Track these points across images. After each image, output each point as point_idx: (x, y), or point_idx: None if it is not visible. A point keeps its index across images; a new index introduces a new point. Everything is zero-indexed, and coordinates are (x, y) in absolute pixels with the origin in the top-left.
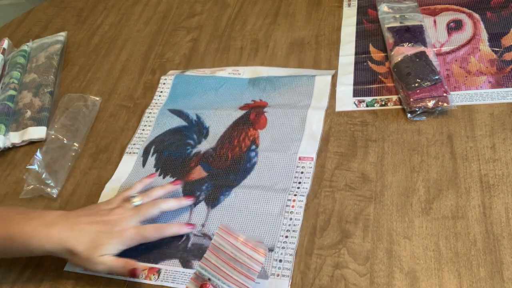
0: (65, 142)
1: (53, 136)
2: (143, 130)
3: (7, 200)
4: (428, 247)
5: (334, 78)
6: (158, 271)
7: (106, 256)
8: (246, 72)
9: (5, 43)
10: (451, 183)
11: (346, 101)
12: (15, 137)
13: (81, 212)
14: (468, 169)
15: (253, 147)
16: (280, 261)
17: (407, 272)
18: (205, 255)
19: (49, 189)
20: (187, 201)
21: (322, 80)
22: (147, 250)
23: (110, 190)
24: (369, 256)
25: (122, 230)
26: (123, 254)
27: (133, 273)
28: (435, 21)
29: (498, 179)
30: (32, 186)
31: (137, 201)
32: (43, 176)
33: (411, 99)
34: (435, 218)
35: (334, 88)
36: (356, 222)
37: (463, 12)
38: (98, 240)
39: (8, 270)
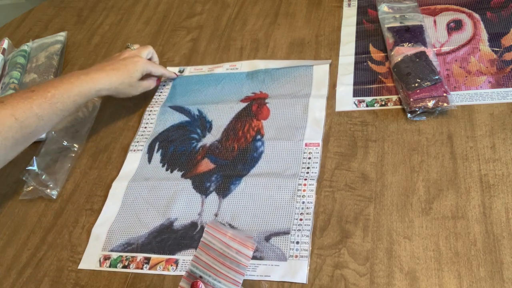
0: (64, 144)
1: (53, 137)
2: (145, 127)
3: (7, 200)
4: (428, 247)
5: (334, 77)
6: (176, 262)
7: (140, 81)
8: (244, 66)
9: (5, 43)
10: (451, 183)
11: (346, 101)
12: None
13: (98, 64)
14: (468, 169)
15: (259, 137)
16: (297, 243)
17: (407, 272)
18: (195, 253)
19: (48, 190)
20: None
21: (320, 69)
22: (163, 243)
23: (118, 188)
24: (369, 256)
25: (137, 60)
26: None
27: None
28: (435, 21)
29: (498, 179)
30: (32, 187)
31: (134, 47)
32: (43, 177)
33: (411, 99)
34: (435, 218)
35: (334, 88)
36: (356, 222)
37: (463, 12)
38: (128, 71)
39: (8, 270)
